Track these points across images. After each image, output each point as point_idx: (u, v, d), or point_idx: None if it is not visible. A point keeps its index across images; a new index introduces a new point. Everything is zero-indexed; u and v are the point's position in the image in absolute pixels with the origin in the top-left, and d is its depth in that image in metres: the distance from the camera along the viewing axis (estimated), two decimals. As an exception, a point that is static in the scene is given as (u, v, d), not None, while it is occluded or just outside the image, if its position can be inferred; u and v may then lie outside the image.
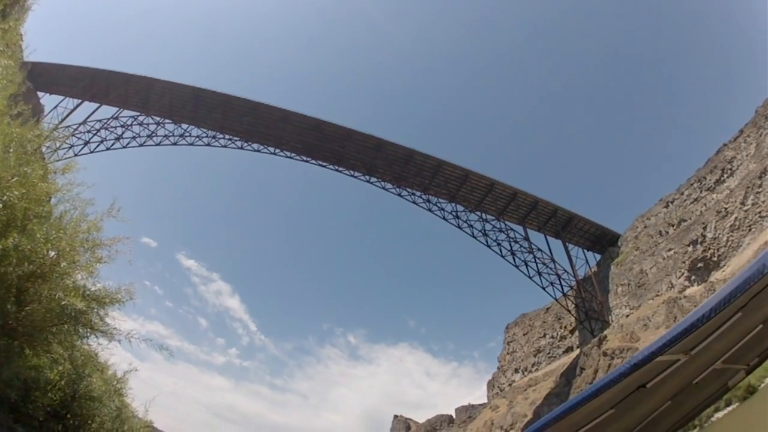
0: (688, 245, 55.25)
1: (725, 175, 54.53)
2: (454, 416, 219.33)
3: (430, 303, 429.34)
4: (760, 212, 44.49)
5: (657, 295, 59.19)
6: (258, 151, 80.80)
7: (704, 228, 52.83)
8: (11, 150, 8.67)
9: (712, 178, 57.10)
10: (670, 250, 61.13)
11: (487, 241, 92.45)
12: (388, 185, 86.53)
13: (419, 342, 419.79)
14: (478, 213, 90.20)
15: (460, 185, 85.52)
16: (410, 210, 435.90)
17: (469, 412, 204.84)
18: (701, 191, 58.56)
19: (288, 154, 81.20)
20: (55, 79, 57.18)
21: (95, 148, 64.03)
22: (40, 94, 53.95)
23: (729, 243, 47.17)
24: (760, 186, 46.19)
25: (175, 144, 72.61)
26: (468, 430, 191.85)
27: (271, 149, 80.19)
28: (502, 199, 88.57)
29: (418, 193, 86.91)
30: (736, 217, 48.34)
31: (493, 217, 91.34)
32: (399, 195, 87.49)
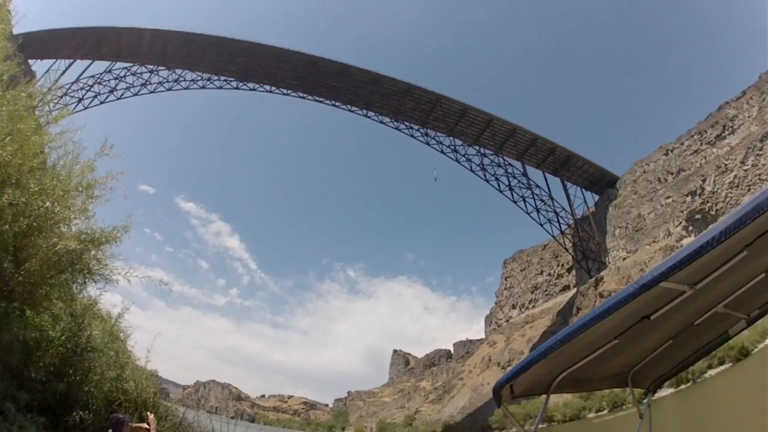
0: (687, 195, 56.25)
1: (726, 132, 55.23)
2: (452, 351, 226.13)
3: (428, 237, 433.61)
4: (759, 174, 45.08)
5: (654, 241, 60.14)
6: (254, 90, 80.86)
7: (703, 180, 53.61)
8: (4, 109, 8.62)
9: (713, 133, 57.89)
10: (668, 197, 62.53)
11: (485, 176, 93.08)
12: (386, 119, 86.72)
13: (418, 275, 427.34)
14: (477, 147, 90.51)
15: (459, 119, 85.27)
16: (408, 146, 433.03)
17: (467, 347, 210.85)
18: (701, 144, 59.44)
19: (284, 91, 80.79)
20: (45, 45, 56.21)
21: (89, 104, 64.15)
22: (31, 61, 53.07)
23: (728, 199, 47.93)
24: (761, 149, 46.97)
25: (170, 90, 72.27)
26: (466, 365, 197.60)
27: (267, 87, 79.94)
28: (500, 135, 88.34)
29: (416, 127, 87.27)
30: (735, 175, 49.16)
31: (492, 152, 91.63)
32: (397, 129, 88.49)
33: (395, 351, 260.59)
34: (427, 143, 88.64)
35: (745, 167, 47.72)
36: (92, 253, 9.25)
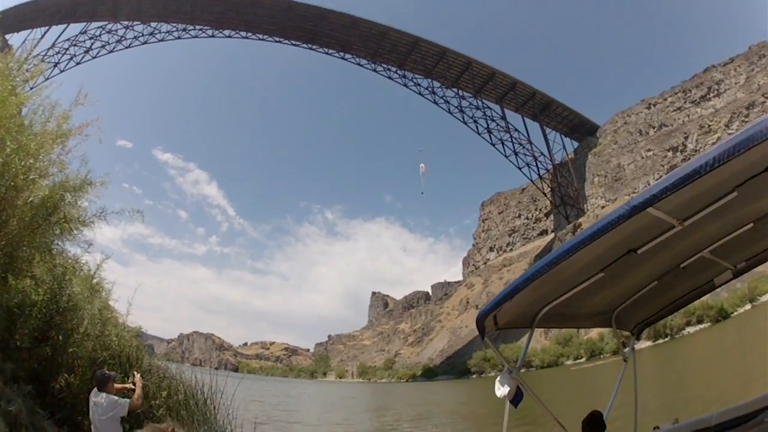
0: (668, 150, 56.69)
1: (711, 94, 55.51)
2: (430, 293, 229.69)
3: (406, 178, 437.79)
4: (744, 140, 46.32)
5: (633, 192, 60.64)
6: (230, 37, 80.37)
7: (686, 138, 54.15)
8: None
9: (697, 93, 58.23)
10: (649, 150, 63.03)
11: (463, 118, 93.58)
12: (363, 61, 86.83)
13: (396, 217, 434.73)
14: (455, 90, 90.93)
15: (437, 62, 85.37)
16: (386, 88, 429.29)
17: (444, 289, 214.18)
18: (685, 102, 59.86)
19: (260, 36, 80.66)
20: (21, 18, 54.62)
21: (65, 67, 63.42)
22: (8, 36, 52.29)
23: (710, 158, 48.69)
24: (747, 116, 47.77)
25: (145, 43, 71.52)
26: (444, 307, 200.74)
27: (243, 34, 79.48)
28: (479, 78, 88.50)
29: (394, 69, 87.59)
30: (719, 137, 49.76)
31: (471, 95, 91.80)
32: (374, 71, 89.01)
33: (374, 293, 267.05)
34: (405, 85, 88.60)
35: (730, 131, 48.79)
36: (68, 200, 9.42)
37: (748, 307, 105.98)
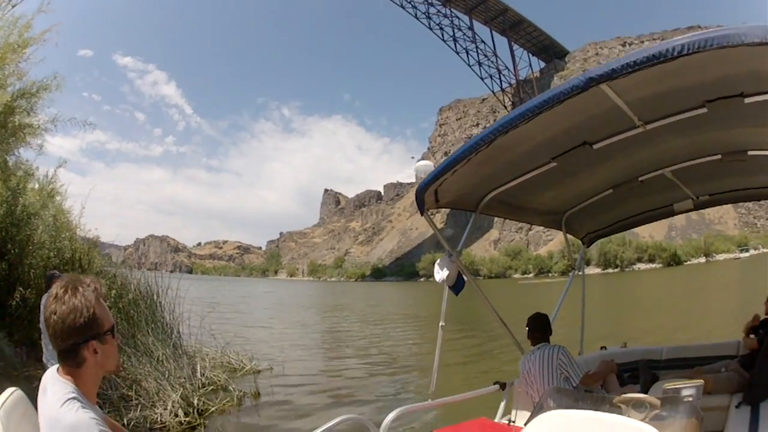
0: None
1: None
2: (382, 193, 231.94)
3: (366, 77, 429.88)
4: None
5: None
6: None
7: None
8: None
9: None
10: None
11: (429, 24, 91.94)
12: None
13: (353, 115, 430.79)
14: None
15: None
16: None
17: (397, 190, 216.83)
18: None
19: None
20: None
21: None
22: None
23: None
24: None
25: None
26: (395, 207, 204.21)
27: None
28: None
29: None
30: None
31: (439, 3, 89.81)
32: None
33: (326, 190, 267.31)
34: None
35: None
36: (23, 107, 9.37)
37: (702, 260, 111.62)
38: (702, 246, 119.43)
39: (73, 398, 1.69)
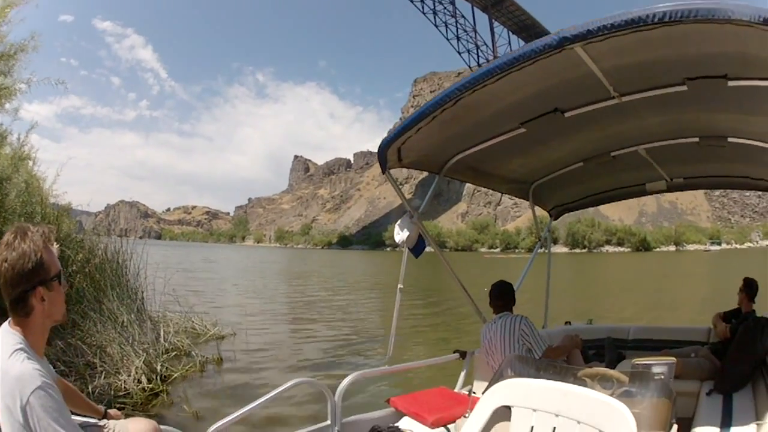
0: None
1: None
2: (352, 161, 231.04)
3: (343, 45, 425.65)
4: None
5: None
6: None
7: None
8: None
9: None
10: None
11: None
12: None
13: (327, 83, 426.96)
14: None
15: None
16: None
17: (367, 158, 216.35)
18: None
19: None
20: None
21: None
22: None
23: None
24: None
25: None
26: (365, 176, 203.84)
27: None
28: None
29: None
30: None
31: None
32: None
33: (296, 157, 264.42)
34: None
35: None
36: (1, 70, 9.27)
37: (672, 248, 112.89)
38: (673, 234, 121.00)
39: (20, 349, 1.76)
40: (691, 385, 4.33)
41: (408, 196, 7.40)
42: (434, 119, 3.73)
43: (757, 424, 3.21)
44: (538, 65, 3.00)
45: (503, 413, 2.50)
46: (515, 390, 2.53)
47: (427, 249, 4.86)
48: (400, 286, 4.63)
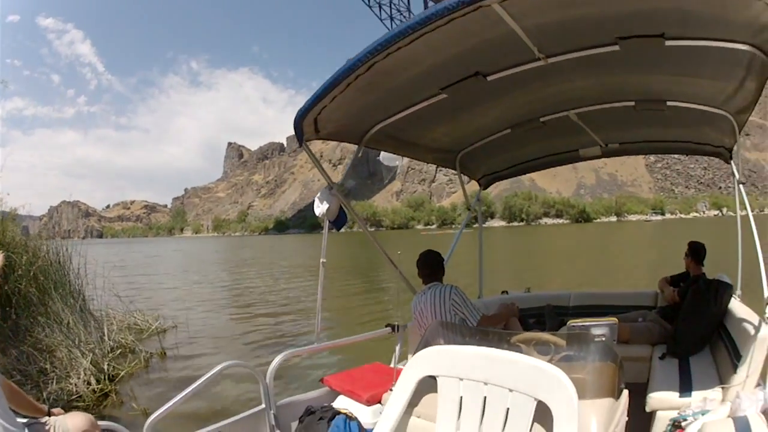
0: None
1: None
2: (285, 144, 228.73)
3: (274, 29, 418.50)
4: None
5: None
6: None
7: None
8: None
9: None
10: None
11: None
12: None
13: (260, 68, 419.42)
14: None
15: None
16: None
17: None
18: None
19: None
20: None
21: None
22: None
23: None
24: None
25: None
26: (298, 159, 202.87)
27: None
28: None
29: None
30: None
31: None
32: None
33: (230, 144, 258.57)
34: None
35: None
36: None
37: (613, 219, 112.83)
38: (613, 205, 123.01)
39: None
40: (642, 350, 4.35)
41: (340, 177, 6.79)
42: (348, 86, 3.41)
43: (723, 388, 3.18)
44: (455, 24, 2.68)
45: (432, 384, 2.36)
46: (439, 358, 2.39)
47: (361, 230, 4.79)
48: (322, 260, 4.40)
